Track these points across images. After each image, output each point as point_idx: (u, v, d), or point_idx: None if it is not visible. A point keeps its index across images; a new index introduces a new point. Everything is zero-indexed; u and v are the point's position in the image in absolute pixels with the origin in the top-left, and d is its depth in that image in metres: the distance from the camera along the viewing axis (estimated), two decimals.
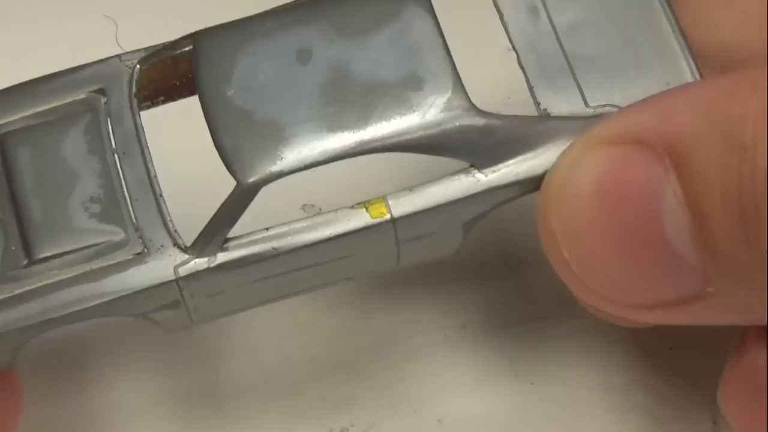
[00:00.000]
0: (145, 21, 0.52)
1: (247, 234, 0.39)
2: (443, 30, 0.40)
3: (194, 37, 0.40)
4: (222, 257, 0.39)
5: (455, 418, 0.46)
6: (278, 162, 0.38)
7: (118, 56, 0.41)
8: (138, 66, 0.41)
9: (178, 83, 0.42)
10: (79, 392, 0.46)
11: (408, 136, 0.38)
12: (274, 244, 0.39)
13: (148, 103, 0.42)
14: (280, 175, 0.38)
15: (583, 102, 0.39)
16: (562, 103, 0.39)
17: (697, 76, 0.39)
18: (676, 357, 0.46)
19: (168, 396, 0.46)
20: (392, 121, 0.38)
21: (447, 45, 0.39)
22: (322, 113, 0.38)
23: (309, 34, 0.39)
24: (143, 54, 0.41)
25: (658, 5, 0.40)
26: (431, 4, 0.40)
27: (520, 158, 0.39)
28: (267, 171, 0.38)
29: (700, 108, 0.35)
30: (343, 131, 0.38)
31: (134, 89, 0.40)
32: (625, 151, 0.36)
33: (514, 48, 0.40)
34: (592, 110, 0.39)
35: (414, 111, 0.38)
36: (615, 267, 0.36)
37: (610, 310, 0.38)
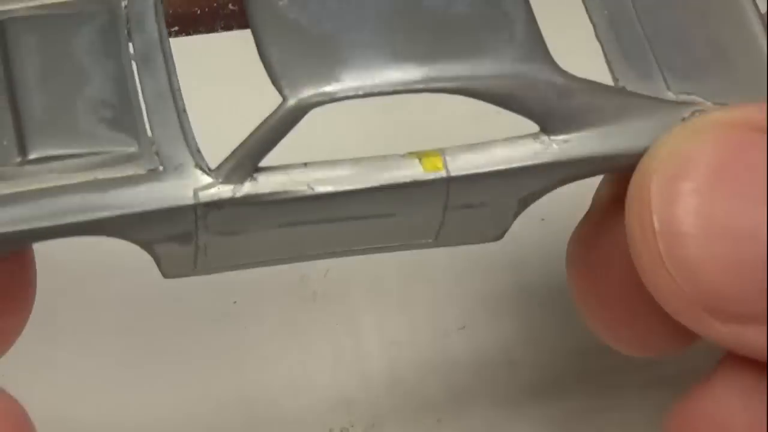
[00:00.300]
0: None
1: (282, 166, 0.34)
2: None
3: None
4: (249, 187, 0.33)
5: (455, 417, 0.46)
6: (333, 83, 0.33)
7: None
8: None
9: (200, 12, 0.38)
10: None
11: (479, 81, 0.34)
12: (312, 182, 0.34)
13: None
14: (335, 97, 0.33)
15: (665, 86, 0.36)
16: (642, 83, 0.36)
17: None
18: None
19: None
20: (464, 61, 0.34)
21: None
22: (387, 39, 0.34)
23: None
24: None
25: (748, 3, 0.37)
26: None
27: (595, 132, 0.35)
28: (320, 90, 0.33)
29: None
30: (408, 62, 0.34)
31: None
32: (751, 137, 0.33)
33: (591, 20, 0.37)
34: (674, 96, 0.36)
35: (489, 55, 0.34)
36: (720, 262, 0.33)
37: (683, 318, 0.34)
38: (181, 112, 0.34)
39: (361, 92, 0.33)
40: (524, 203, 0.36)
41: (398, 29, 0.34)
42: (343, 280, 0.48)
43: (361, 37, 0.34)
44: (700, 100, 0.36)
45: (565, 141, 0.35)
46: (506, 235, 0.37)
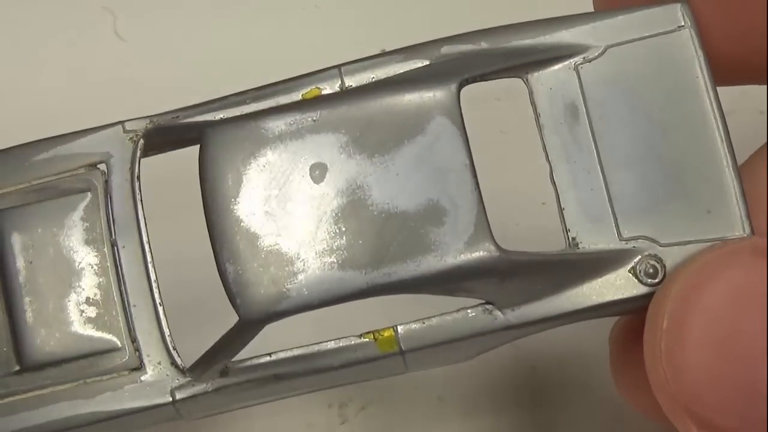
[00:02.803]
0: (143, 12, 0.52)
1: (249, 359, 0.37)
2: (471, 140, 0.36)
3: (202, 129, 0.37)
4: (221, 382, 0.37)
5: (456, 395, 0.47)
6: (283, 301, 0.35)
7: (122, 124, 0.38)
8: (142, 141, 0.38)
9: (184, 142, 0.39)
10: None
11: (423, 280, 0.35)
12: (277, 371, 0.37)
13: (154, 152, 0.39)
14: (285, 314, 0.35)
15: (616, 232, 0.37)
16: (593, 231, 0.37)
17: (741, 201, 0.36)
18: None
19: None
20: (408, 262, 0.35)
21: (474, 168, 0.36)
22: (333, 246, 0.35)
23: (325, 144, 0.36)
24: (147, 124, 0.38)
25: (711, 118, 0.37)
26: (461, 115, 0.36)
27: (541, 300, 0.36)
28: (271, 310, 0.35)
29: None
30: (354, 270, 0.35)
31: (137, 170, 0.37)
32: (759, 264, 0.34)
33: (547, 159, 0.37)
34: (624, 243, 0.36)
35: (432, 251, 0.35)
36: (711, 373, 0.34)
37: (667, 413, 0.35)
38: (157, 306, 0.37)
39: (308, 306, 0.35)
40: (483, 351, 0.38)
41: (344, 231, 0.36)
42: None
43: (309, 246, 0.35)
44: (649, 245, 0.36)
45: (513, 310, 0.36)
46: None
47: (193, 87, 0.50)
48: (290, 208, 0.36)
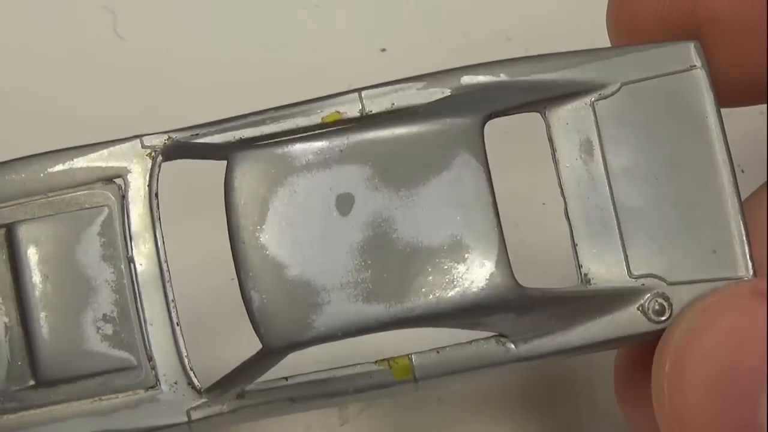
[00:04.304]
0: (143, 11, 0.52)
1: (265, 382, 0.37)
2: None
3: (230, 152, 0.37)
4: (237, 404, 0.37)
5: (456, 397, 0.47)
6: (307, 331, 0.36)
7: (140, 138, 0.38)
8: (161, 158, 0.38)
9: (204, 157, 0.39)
10: None
11: (444, 315, 0.36)
12: (292, 394, 0.37)
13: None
14: (308, 344, 0.36)
15: (626, 270, 0.38)
16: (604, 268, 0.38)
17: (746, 241, 0.37)
18: None
19: None
20: (430, 297, 0.36)
21: (496, 206, 0.37)
22: (358, 278, 0.36)
23: (352, 175, 0.36)
24: (166, 141, 0.38)
25: (719, 158, 0.38)
26: (485, 151, 0.37)
27: (553, 335, 0.37)
28: (294, 340, 0.36)
29: None
30: (378, 304, 0.36)
31: (156, 187, 0.37)
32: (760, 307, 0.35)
33: (562, 194, 0.38)
34: (633, 281, 0.38)
35: (454, 287, 0.36)
36: (711, 420, 0.35)
37: None
38: (174, 326, 0.37)
39: (332, 337, 0.36)
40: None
41: (369, 265, 0.36)
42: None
43: (334, 277, 0.36)
44: (657, 283, 0.37)
45: (525, 343, 0.37)
46: None
47: (194, 87, 0.50)
48: (317, 238, 0.36)
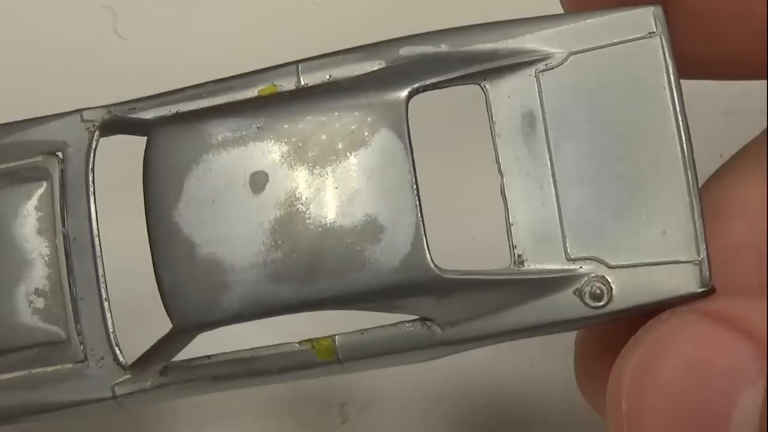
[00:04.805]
0: (143, 10, 0.52)
1: (188, 360, 0.37)
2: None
3: (148, 128, 0.36)
4: (160, 381, 0.37)
5: (456, 395, 0.47)
6: (216, 312, 0.35)
7: (80, 112, 0.38)
8: (98, 132, 0.37)
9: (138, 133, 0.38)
10: None
11: (356, 298, 0.35)
12: (216, 372, 0.37)
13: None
14: (217, 325, 0.35)
15: (564, 252, 0.35)
16: (540, 250, 0.35)
17: (698, 222, 0.35)
18: None
19: None
20: (341, 278, 0.35)
21: (417, 184, 0.35)
22: (267, 258, 0.35)
23: (267, 153, 0.35)
24: (105, 115, 0.37)
25: (675, 135, 0.35)
26: (407, 127, 0.35)
27: (481, 318, 0.35)
28: (203, 320, 0.35)
29: None
30: (287, 285, 0.35)
31: (92, 162, 0.37)
32: (733, 336, 0.32)
33: (499, 170, 0.36)
34: (570, 263, 0.35)
35: (366, 269, 0.35)
36: None
37: None
38: (103, 301, 0.37)
39: (241, 318, 0.35)
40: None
41: (280, 245, 0.35)
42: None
43: (244, 256, 0.35)
44: (597, 266, 0.35)
45: (452, 327, 0.35)
46: None
47: None
48: (229, 217, 0.35)
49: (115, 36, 0.50)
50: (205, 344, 0.37)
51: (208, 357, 0.37)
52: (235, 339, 0.37)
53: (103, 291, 0.37)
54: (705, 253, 0.35)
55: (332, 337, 0.36)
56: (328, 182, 0.35)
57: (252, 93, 0.37)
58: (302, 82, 0.36)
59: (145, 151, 0.36)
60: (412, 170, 0.35)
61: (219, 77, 0.37)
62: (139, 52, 0.50)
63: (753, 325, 0.32)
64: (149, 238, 0.36)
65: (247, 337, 0.37)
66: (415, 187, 0.35)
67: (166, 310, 0.36)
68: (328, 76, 0.36)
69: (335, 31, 0.51)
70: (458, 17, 0.46)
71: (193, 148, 0.36)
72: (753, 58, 0.36)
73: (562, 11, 0.37)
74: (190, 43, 0.51)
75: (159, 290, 0.36)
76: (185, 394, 0.38)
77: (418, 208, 0.35)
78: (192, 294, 0.35)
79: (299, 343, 0.36)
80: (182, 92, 0.37)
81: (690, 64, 0.36)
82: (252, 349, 0.37)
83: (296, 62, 0.37)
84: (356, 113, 0.35)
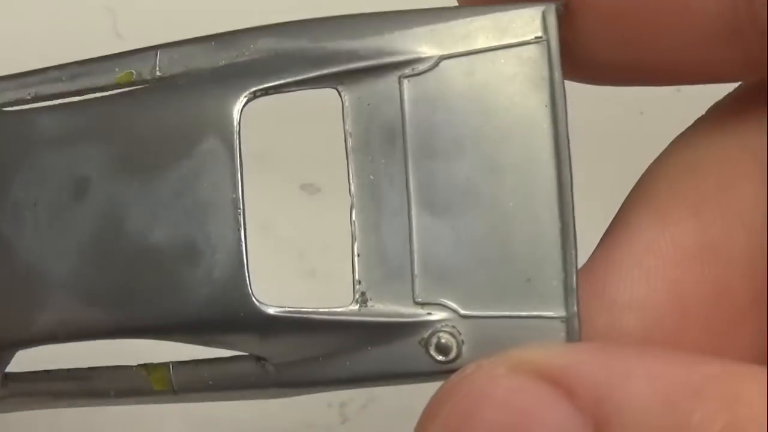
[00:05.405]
0: (144, 12, 0.52)
1: (28, 373, 0.34)
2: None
3: None
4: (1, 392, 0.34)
5: None
6: (28, 330, 0.32)
7: None
8: None
9: None
10: None
11: (170, 329, 0.31)
12: (53, 388, 0.34)
13: None
14: (30, 344, 0.32)
15: (411, 293, 0.30)
16: (387, 288, 0.31)
17: (571, 271, 0.29)
18: None
19: None
20: (156, 306, 0.31)
21: (242, 204, 0.30)
22: (82, 274, 0.31)
23: (94, 156, 0.31)
24: None
25: (551, 163, 0.30)
26: (238, 137, 0.30)
27: (314, 360, 0.31)
28: (16, 338, 0.32)
29: (659, 392, 0.26)
30: (102, 307, 0.31)
31: None
32: (551, 394, 0.27)
33: (350, 190, 0.31)
34: (417, 308, 0.30)
35: (180, 298, 0.30)
36: None
37: None
38: None
39: (54, 341, 0.32)
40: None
41: (96, 259, 0.31)
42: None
43: (59, 270, 0.31)
44: (448, 314, 0.30)
45: (288, 369, 0.31)
46: None
47: None
48: (49, 222, 0.32)
49: (115, 36, 0.50)
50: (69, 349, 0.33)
51: (47, 372, 0.34)
52: (97, 347, 0.33)
53: None
54: (575, 308, 0.30)
55: (168, 364, 0.32)
56: (146, 196, 0.31)
57: (111, 78, 0.33)
58: (158, 72, 0.32)
59: None
60: (237, 188, 0.30)
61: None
62: None
63: (576, 381, 0.27)
64: None
65: (110, 347, 0.33)
66: (240, 206, 0.30)
67: None
68: (185, 67, 0.32)
69: None
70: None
71: (23, 142, 0.32)
72: (668, 63, 0.31)
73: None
74: None
75: None
76: (25, 407, 0.35)
77: (242, 230, 0.30)
78: (5, 309, 0.32)
79: (135, 367, 0.33)
80: (45, 73, 0.33)
81: (602, 70, 0.31)
82: (90, 368, 0.33)
83: (156, 47, 0.32)
84: (187, 116, 0.31)
